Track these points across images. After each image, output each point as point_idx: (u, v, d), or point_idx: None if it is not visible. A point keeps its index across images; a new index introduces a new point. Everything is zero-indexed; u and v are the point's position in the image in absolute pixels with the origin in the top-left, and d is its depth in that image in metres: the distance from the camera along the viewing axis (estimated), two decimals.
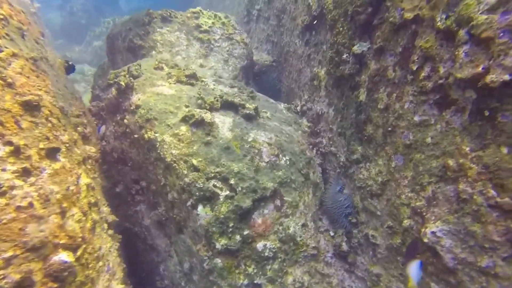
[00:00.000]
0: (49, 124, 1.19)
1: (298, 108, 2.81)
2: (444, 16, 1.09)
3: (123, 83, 1.89)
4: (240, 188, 1.67)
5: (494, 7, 0.91)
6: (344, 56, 1.91)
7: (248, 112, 2.07)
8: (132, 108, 1.86)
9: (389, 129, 1.57)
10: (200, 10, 3.27)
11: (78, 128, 1.45)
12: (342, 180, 2.16)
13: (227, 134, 1.89)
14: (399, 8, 1.36)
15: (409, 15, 1.31)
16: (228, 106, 2.08)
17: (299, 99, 2.89)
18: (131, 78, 1.95)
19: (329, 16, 2.05)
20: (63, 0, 13.09)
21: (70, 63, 1.85)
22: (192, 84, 2.19)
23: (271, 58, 3.91)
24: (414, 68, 1.35)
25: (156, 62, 2.24)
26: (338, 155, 2.20)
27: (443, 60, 1.18)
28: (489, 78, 0.95)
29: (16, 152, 0.98)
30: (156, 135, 1.76)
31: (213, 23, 3.27)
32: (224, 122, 1.95)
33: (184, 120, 1.82)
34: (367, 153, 1.82)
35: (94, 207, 1.35)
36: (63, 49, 11.14)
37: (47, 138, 1.14)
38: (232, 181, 1.68)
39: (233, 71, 3.32)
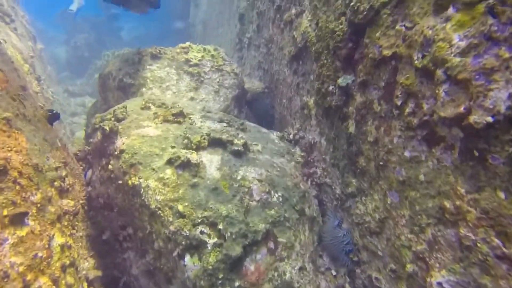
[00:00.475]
0: (17, 187, 1.15)
1: (291, 136, 2.77)
2: (420, 56, 1.07)
3: (107, 128, 1.88)
4: (229, 234, 1.59)
5: (465, 50, 0.88)
6: (330, 88, 1.90)
7: (236, 148, 2.03)
8: (116, 153, 1.84)
9: (381, 163, 1.51)
10: (190, 45, 3.35)
11: (55, 183, 1.41)
12: (339, 213, 2.07)
13: (215, 174, 1.84)
14: (377, 45, 1.36)
15: (387, 52, 1.30)
16: (216, 143, 2.05)
17: (291, 127, 2.86)
18: (115, 122, 1.94)
19: (313, 49, 2.06)
20: (68, 35, 13.72)
21: (54, 111, 1.85)
22: (179, 122, 2.18)
23: (263, 85, 3.95)
24: (399, 103, 1.31)
25: (143, 102, 2.25)
26: (333, 187, 2.13)
27: (425, 97, 1.14)
28: (472, 118, 0.91)
29: None
30: (141, 180, 1.72)
31: (202, 56, 3.34)
32: (211, 161, 1.91)
33: (170, 162, 1.79)
34: (362, 186, 1.76)
35: (70, 267, 1.28)
36: (67, 81, 11.42)
37: (13, 203, 1.10)
38: (220, 226, 1.61)
39: (224, 101, 3.34)
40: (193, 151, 1.87)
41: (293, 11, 2.53)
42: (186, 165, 1.80)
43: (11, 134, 1.25)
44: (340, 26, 1.62)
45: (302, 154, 2.51)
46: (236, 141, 2.07)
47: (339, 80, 1.78)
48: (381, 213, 1.53)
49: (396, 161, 1.38)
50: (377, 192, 1.58)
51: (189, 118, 2.25)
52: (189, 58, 3.25)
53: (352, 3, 1.51)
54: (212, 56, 3.39)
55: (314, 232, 2.06)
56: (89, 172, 2.08)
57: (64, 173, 1.57)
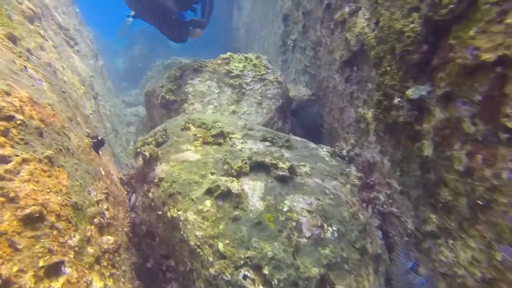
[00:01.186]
0: (55, 232, 1.10)
1: (344, 152, 2.45)
2: None
3: (147, 154, 1.84)
4: (276, 282, 1.38)
5: None
6: (396, 100, 1.56)
7: (281, 173, 1.81)
8: (156, 180, 1.77)
9: (480, 202, 1.14)
10: (230, 55, 3.25)
11: (95, 220, 1.36)
12: (413, 253, 1.70)
13: (257, 205, 1.65)
14: (471, 47, 1.01)
15: (489, 57, 0.95)
16: (258, 167, 1.86)
17: (344, 142, 2.54)
18: (155, 148, 1.89)
19: (372, 53, 1.74)
20: (126, 48, 15.09)
21: (100, 137, 1.88)
22: (219, 144, 2.04)
23: (310, 91, 3.66)
24: (510, 125, 0.95)
25: (183, 123, 2.18)
26: (403, 219, 1.76)
27: None
28: None
29: (5, 285, 0.88)
30: (179, 213, 1.61)
31: (244, 66, 3.20)
32: (254, 189, 1.72)
33: (209, 192, 1.65)
34: (447, 226, 1.38)
35: None
36: (125, 92, 12.31)
37: (50, 251, 1.04)
38: (266, 271, 1.41)
39: (267, 113, 3.15)
40: (234, 179, 1.71)
41: (347, 9, 2.21)
42: (226, 195, 1.64)
43: (52, 173, 1.23)
44: (411, 25, 1.29)
45: (358, 175, 2.17)
46: (280, 164, 1.85)
47: (409, 92, 1.43)
48: (485, 270, 1.15)
49: (509, 204, 1.01)
50: (473, 238, 1.20)
51: (230, 139, 2.11)
52: (230, 70, 3.14)
53: None
54: (254, 65, 3.24)
55: (380, 274, 1.72)
56: (133, 197, 2.07)
57: (105, 206, 1.53)
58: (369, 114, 2.04)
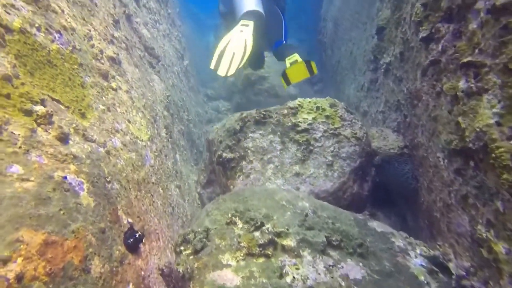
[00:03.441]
0: None
1: (452, 268, 1.82)
2: None
3: (181, 270, 1.72)
4: None
5: None
6: None
7: None
8: None
9: None
10: (300, 104, 2.82)
11: None
12: None
13: None
14: None
15: None
16: None
17: (450, 248, 1.89)
18: (190, 261, 1.76)
19: (506, 177, 1.10)
20: (216, 31, 15.26)
21: (137, 234, 1.87)
22: (267, 256, 1.76)
23: (401, 142, 2.93)
24: None
25: (229, 215, 1.97)
26: None
27: None
28: None
29: None
30: None
31: (314, 118, 2.74)
32: None
33: None
34: None
35: None
36: (209, 83, 12.85)
37: None
38: None
39: (339, 176, 2.66)
40: None
41: (463, 84, 1.52)
42: None
43: None
44: None
45: None
46: None
47: None
48: None
49: None
50: None
51: (281, 249, 1.80)
52: (297, 123, 2.74)
53: None
54: (327, 117, 2.73)
55: None
56: None
57: None
58: (499, 247, 1.39)
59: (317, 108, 2.77)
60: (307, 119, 2.73)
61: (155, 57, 5.23)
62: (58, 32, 2.27)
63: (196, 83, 10.52)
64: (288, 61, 3.16)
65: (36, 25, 2.04)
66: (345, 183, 2.65)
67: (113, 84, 2.86)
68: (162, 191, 3.00)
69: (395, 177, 2.80)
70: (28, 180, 1.32)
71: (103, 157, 1.93)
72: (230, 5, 3.39)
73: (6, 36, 1.74)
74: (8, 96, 1.55)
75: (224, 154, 2.75)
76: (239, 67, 2.77)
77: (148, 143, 3.12)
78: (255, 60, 3.92)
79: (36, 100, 1.72)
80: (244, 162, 2.76)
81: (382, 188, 2.94)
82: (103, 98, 2.58)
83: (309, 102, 2.83)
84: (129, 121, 2.85)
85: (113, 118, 2.55)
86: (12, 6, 1.86)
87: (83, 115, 2.21)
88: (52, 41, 2.17)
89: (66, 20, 2.41)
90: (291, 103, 2.85)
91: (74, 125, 1.89)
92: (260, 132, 2.82)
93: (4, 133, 1.37)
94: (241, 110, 10.65)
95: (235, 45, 2.86)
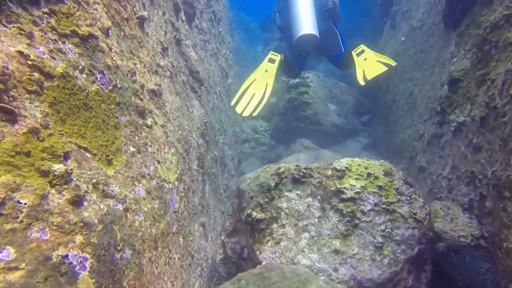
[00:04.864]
0: None
1: None
2: None
3: None
4: None
5: None
6: None
7: None
8: None
9: None
10: (348, 167, 2.44)
11: None
12: None
13: None
14: None
15: None
16: None
17: None
18: None
19: None
20: (264, 44, 15.00)
21: None
22: None
23: (476, 230, 2.37)
24: None
25: None
26: None
27: None
28: None
29: None
30: None
31: (363, 187, 2.34)
32: None
33: None
34: None
35: None
36: None
37: None
38: None
39: (390, 265, 2.19)
40: None
41: None
42: None
43: None
44: None
45: None
46: None
47: None
48: None
49: None
50: None
51: None
52: (341, 189, 2.36)
53: None
54: (380, 187, 2.31)
55: None
56: None
57: None
58: None
59: (368, 174, 2.36)
60: (354, 186, 2.33)
61: (198, 81, 5.20)
62: (101, 72, 2.19)
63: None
64: (354, 53, 3.40)
65: (80, 67, 1.96)
66: (398, 274, 2.18)
67: (149, 121, 2.75)
68: (182, 240, 2.78)
69: (466, 274, 2.25)
70: (16, 268, 1.14)
71: (119, 218, 1.76)
72: (287, 19, 3.74)
73: (45, 83, 1.66)
74: (28, 154, 1.42)
75: (254, 214, 2.46)
76: (254, 113, 3.03)
77: (176, 183, 2.95)
78: (290, 69, 4.03)
79: (59, 154, 1.60)
80: (275, 225, 2.44)
81: (445, 281, 2.39)
82: (136, 137, 2.46)
83: (359, 165, 2.44)
84: (159, 162, 2.70)
85: (142, 161, 2.41)
86: (59, 50, 1.78)
87: (109, 162, 2.07)
88: (93, 82, 2.08)
89: (112, 58, 2.35)
90: (337, 164, 2.48)
91: (95, 180, 1.74)
92: (298, 192, 2.48)
93: (8, 204, 1.23)
94: (279, 134, 10.25)
95: (257, 86, 3.18)
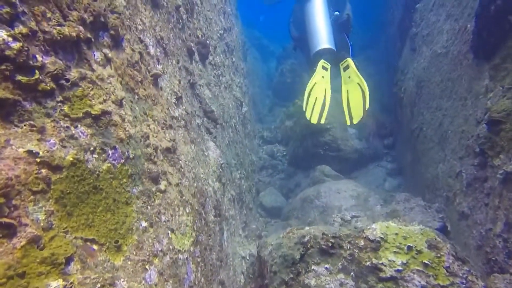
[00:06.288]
0: None
1: None
2: None
3: None
4: None
5: None
6: None
7: None
8: None
9: None
10: (382, 237, 2.15)
11: None
12: None
13: None
14: None
15: None
16: None
17: None
18: None
19: None
20: (278, 62, 14.66)
21: None
22: None
23: None
24: None
25: None
26: None
27: None
28: None
29: None
30: None
31: (405, 263, 2.03)
32: None
33: None
34: None
35: None
36: (266, 118, 12.21)
37: None
38: None
39: None
40: None
41: None
42: None
43: None
44: None
45: None
46: None
47: None
48: None
49: None
50: None
51: None
52: (379, 265, 2.06)
53: None
54: (426, 265, 2.00)
55: None
56: None
57: None
58: None
59: (409, 248, 2.06)
60: (394, 262, 2.03)
61: (213, 120, 5.09)
62: (114, 148, 2.04)
63: (253, 127, 10.14)
64: (342, 67, 3.65)
65: (92, 148, 1.82)
66: None
67: (162, 185, 2.60)
68: None
69: None
70: None
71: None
72: (303, 30, 3.97)
73: (53, 177, 1.52)
74: (22, 275, 1.27)
75: None
76: (321, 120, 3.41)
77: (192, 248, 2.75)
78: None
79: (61, 261, 1.43)
80: None
81: None
82: (149, 207, 2.29)
83: (396, 234, 2.14)
84: (173, 231, 2.52)
85: (155, 236, 2.23)
86: (71, 137, 1.66)
87: (118, 249, 1.89)
88: (105, 160, 1.93)
89: (124, 129, 2.21)
90: (370, 232, 2.19)
91: (99, 285, 1.56)
92: (327, 266, 2.21)
93: None
94: (297, 160, 9.82)
95: (318, 91, 3.48)
